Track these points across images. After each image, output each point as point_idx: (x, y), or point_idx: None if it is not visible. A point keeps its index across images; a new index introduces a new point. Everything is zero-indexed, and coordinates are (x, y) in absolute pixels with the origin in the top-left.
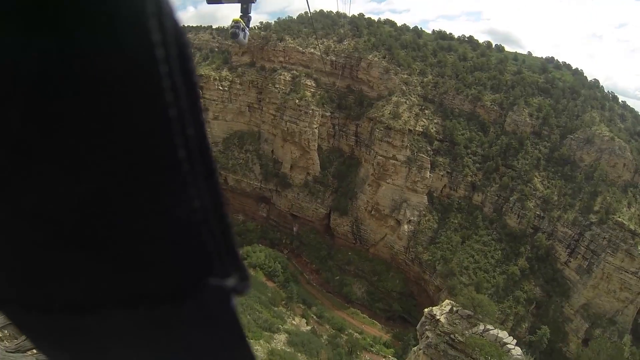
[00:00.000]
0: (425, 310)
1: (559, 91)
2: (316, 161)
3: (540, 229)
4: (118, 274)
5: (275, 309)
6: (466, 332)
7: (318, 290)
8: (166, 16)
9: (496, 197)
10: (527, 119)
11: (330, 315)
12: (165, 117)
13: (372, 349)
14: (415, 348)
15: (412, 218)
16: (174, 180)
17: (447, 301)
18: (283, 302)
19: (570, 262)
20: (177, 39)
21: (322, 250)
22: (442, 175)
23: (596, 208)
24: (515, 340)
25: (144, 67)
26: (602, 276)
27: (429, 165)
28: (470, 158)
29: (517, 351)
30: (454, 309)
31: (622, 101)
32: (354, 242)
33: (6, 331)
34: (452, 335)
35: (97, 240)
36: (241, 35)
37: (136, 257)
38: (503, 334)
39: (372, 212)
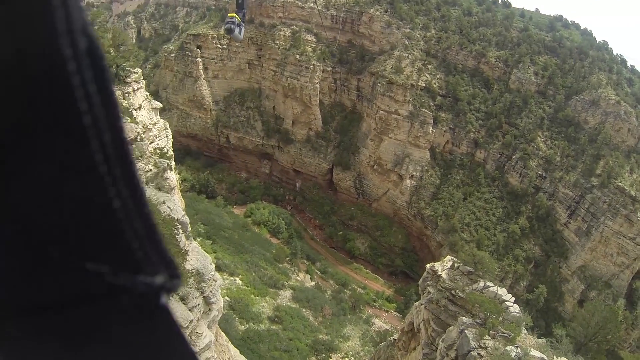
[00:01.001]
0: (427, 265)
1: (566, 51)
2: (318, 116)
3: (542, 189)
4: (41, 277)
5: (280, 265)
6: (467, 288)
7: (322, 245)
8: (77, 31)
9: (499, 155)
10: (532, 78)
11: (334, 271)
12: (80, 124)
13: (375, 303)
14: (417, 303)
15: (414, 173)
16: (92, 183)
17: (448, 257)
18: (287, 258)
19: (570, 223)
20: (91, 51)
21: (325, 205)
22: (444, 131)
23: (598, 171)
24: (513, 298)
25: (58, 80)
26: (600, 239)
27: (432, 121)
28: (473, 114)
29: (515, 308)
30: (455, 265)
31: (630, 65)
32: (356, 197)
33: None
34: (453, 291)
35: (17, 243)
36: (236, 30)
37: (58, 260)
38: (502, 291)
39: (375, 167)
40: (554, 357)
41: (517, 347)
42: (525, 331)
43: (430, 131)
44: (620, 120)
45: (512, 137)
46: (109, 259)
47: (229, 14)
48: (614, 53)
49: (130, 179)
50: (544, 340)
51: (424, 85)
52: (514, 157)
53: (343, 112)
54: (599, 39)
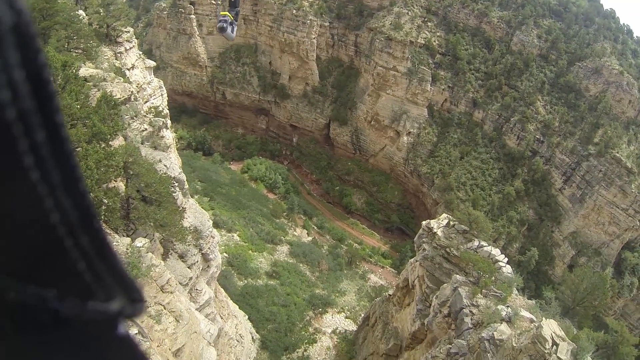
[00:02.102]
0: (423, 222)
1: (571, 16)
2: (315, 71)
3: (539, 153)
4: None
5: (277, 220)
6: (461, 246)
7: (318, 200)
8: (1, 3)
9: (497, 116)
10: (535, 41)
11: (331, 226)
12: (2, 119)
13: (370, 259)
14: (412, 260)
15: (411, 130)
16: (22, 192)
17: (444, 215)
18: (284, 213)
19: (564, 189)
20: (19, 28)
21: (322, 160)
22: (443, 89)
23: (596, 140)
24: (506, 259)
25: None
26: (593, 207)
27: (430, 78)
28: (472, 74)
29: (507, 269)
30: (451, 223)
31: (637, 36)
32: (353, 152)
33: None
34: (447, 249)
35: None
36: (229, 29)
37: None
38: (496, 252)
39: (372, 123)
40: (543, 318)
41: (507, 306)
42: (516, 292)
43: (429, 89)
44: (621, 90)
45: (511, 99)
46: (55, 283)
47: (221, 12)
48: (621, 23)
49: (74, 186)
50: (533, 301)
51: (423, 42)
52: (512, 119)
53: (340, 67)
54: (606, 6)
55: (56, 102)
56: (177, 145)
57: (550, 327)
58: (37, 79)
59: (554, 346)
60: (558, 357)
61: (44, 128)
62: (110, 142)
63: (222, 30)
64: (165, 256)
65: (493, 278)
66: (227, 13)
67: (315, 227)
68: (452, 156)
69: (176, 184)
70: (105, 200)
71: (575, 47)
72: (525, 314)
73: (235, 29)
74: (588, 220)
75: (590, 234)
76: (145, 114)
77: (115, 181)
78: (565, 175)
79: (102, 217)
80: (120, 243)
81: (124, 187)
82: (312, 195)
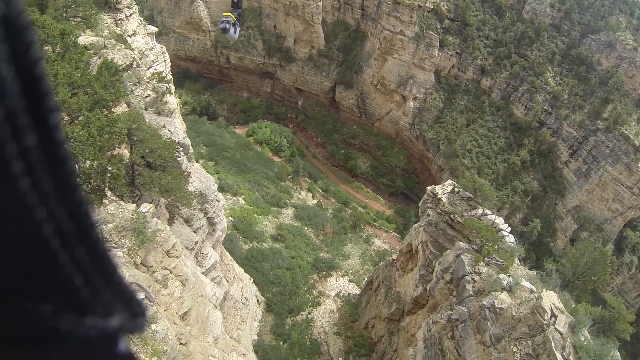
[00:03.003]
0: (428, 188)
1: None
2: (320, 34)
3: (546, 124)
4: None
5: (282, 183)
6: (465, 213)
7: (323, 164)
8: None
9: (505, 85)
10: (548, 10)
11: (336, 189)
12: None
13: (375, 223)
14: (416, 225)
15: (418, 95)
16: (11, 201)
17: (449, 181)
18: (289, 176)
19: (570, 162)
20: (9, 19)
21: (328, 123)
22: (450, 55)
23: (605, 115)
24: (509, 228)
25: None
26: (598, 183)
27: (438, 44)
28: (481, 41)
29: (510, 238)
30: (456, 189)
31: None
32: (359, 115)
33: None
34: (451, 216)
35: None
36: (231, 30)
37: None
38: (499, 220)
39: (378, 87)
40: (543, 289)
41: (509, 276)
42: (518, 262)
43: (436, 54)
44: (634, 67)
45: (520, 68)
46: (50, 298)
47: (224, 13)
48: None
49: (69, 194)
50: (534, 272)
51: (432, 7)
52: (520, 88)
53: (346, 30)
54: None
55: (50, 102)
56: (181, 110)
57: (550, 299)
58: (29, 75)
59: (553, 318)
60: (556, 328)
61: (35, 131)
62: (112, 109)
63: (224, 31)
64: (170, 221)
65: (496, 246)
66: (229, 14)
67: (320, 190)
68: (458, 123)
69: (181, 149)
70: (110, 168)
71: (589, 18)
72: (525, 284)
73: (238, 29)
74: (592, 195)
75: (594, 210)
76: (148, 80)
77: (119, 148)
78: (572, 148)
79: (107, 185)
80: (125, 209)
81: (128, 153)
82: (317, 158)
